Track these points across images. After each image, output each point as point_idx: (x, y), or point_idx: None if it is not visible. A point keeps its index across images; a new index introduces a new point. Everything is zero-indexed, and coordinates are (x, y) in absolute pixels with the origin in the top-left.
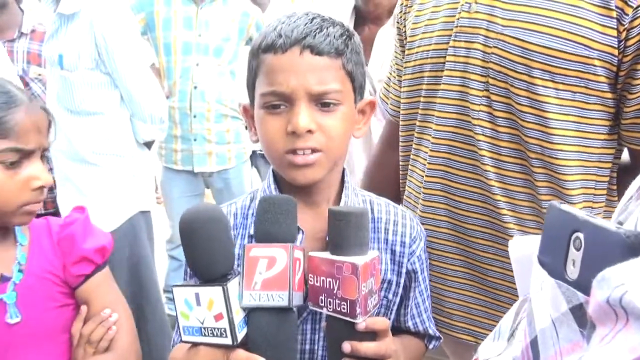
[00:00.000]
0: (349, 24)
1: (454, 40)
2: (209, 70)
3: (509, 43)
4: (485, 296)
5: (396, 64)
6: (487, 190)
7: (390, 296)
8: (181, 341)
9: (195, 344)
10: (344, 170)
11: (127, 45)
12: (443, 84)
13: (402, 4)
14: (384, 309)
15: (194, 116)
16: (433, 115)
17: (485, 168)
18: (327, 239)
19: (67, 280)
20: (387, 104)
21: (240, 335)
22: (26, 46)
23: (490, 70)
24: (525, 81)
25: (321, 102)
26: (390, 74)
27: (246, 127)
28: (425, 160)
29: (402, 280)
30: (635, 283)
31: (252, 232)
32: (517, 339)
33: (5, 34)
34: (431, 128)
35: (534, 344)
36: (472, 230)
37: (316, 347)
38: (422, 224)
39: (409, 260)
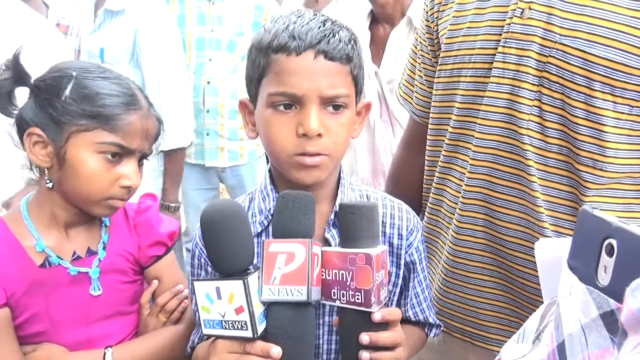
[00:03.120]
0: (365, 23)
1: (503, 47)
2: (223, 66)
3: (568, 53)
4: (522, 309)
5: (423, 62)
6: (530, 202)
7: (390, 287)
8: (202, 336)
9: (216, 338)
10: (340, 167)
11: (164, 47)
12: (489, 90)
13: (433, 1)
14: None
15: (207, 111)
16: (475, 123)
17: (530, 179)
18: (325, 236)
19: (139, 260)
20: (412, 104)
21: (260, 328)
22: None
23: (545, 80)
24: (584, 93)
25: (332, 105)
26: (414, 72)
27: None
28: (465, 168)
29: (401, 272)
30: None
31: (253, 232)
32: (543, 342)
33: None
34: (472, 136)
35: (561, 348)
36: (511, 242)
37: (321, 342)
38: (459, 233)
39: (406, 252)
